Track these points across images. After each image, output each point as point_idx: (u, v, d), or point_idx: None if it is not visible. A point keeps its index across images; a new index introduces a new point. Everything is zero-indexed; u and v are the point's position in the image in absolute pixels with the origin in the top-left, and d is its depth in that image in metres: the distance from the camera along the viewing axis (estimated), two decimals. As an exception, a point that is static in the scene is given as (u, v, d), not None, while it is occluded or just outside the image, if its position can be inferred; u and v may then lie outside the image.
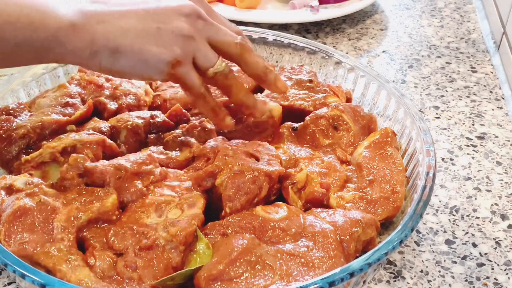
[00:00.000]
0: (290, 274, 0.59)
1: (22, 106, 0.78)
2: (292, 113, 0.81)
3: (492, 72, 1.01)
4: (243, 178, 0.65)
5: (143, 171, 0.66)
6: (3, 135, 0.73)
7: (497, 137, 0.87)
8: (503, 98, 0.95)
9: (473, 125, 0.89)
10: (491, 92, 0.96)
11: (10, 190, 0.64)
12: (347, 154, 0.75)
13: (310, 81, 0.84)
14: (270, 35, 0.92)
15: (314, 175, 0.70)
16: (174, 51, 0.63)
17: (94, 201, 0.63)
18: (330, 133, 0.76)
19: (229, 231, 0.63)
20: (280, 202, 0.67)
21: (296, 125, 0.77)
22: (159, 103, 0.83)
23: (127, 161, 0.67)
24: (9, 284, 0.65)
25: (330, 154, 0.74)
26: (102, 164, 0.66)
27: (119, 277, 0.59)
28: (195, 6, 0.66)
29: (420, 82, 0.98)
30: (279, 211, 0.65)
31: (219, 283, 0.57)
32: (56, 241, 0.59)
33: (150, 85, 0.87)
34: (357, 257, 0.63)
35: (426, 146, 0.71)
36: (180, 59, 0.63)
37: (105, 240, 0.61)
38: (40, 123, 0.74)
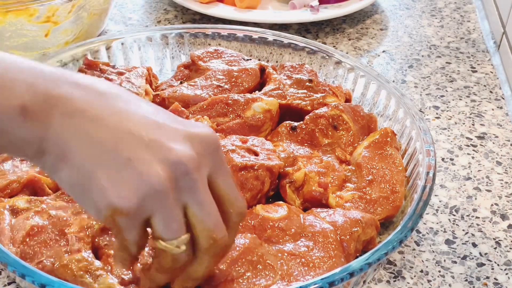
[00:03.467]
0: (291, 274, 0.59)
1: None
2: (290, 112, 0.81)
3: (492, 72, 1.00)
4: (246, 175, 0.65)
5: None
6: None
7: (497, 137, 0.87)
8: (503, 98, 0.94)
9: (473, 125, 0.89)
10: (491, 92, 0.96)
11: (15, 211, 0.62)
12: (346, 153, 0.75)
13: (310, 80, 0.83)
14: (270, 35, 0.92)
15: (312, 174, 0.70)
16: (125, 200, 0.45)
17: None
18: (330, 133, 0.76)
19: None
20: (281, 202, 0.67)
21: (295, 124, 0.77)
22: (158, 101, 0.82)
23: None
24: (9, 284, 0.65)
25: (329, 154, 0.74)
26: None
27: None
28: (197, 158, 0.47)
29: (420, 82, 0.98)
30: (279, 211, 0.64)
31: (221, 284, 0.57)
32: (73, 252, 0.58)
33: (150, 85, 0.87)
34: (357, 257, 0.63)
35: (426, 146, 0.71)
36: (127, 211, 0.45)
37: None
38: None
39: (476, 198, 0.77)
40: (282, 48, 0.92)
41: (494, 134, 0.87)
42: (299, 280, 0.58)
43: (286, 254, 0.60)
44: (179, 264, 0.49)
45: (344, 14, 1.10)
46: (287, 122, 0.77)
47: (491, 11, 1.15)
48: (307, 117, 0.77)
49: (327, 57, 0.89)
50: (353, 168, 0.72)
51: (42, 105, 0.44)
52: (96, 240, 0.61)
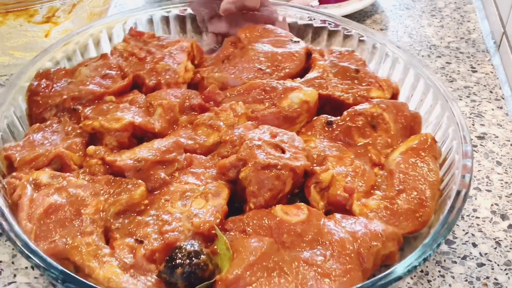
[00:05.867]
0: (305, 283, 0.50)
1: (63, 72, 0.69)
2: (330, 103, 0.68)
3: (492, 72, 0.91)
4: (268, 174, 0.56)
5: (167, 160, 0.58)
6: (40, 101, 0.65)
7: (497, 137, 0.79)
8: (503, 98, 0.85)
9: (473, 125, 0.80)
10: (491, 92, 0.87)
11: (37, 186, 0.56)
12: (381, 156, 0.63)
13: (357, 70, 0.71)
14: (320, 16, 0.81)
15: (340, 177, 0.59)
16: None
17: (122, 193, 0.55)
18: (367, 132, 0.64)
19: (249, 230, 0.53)
20: (302, 204, 0.56)
21: (332, 118, 0.65)
22: (198, 79, 0.73)
23: (149, 149, 0.58)
24: (9, 284, 0.58)
25: (363, 155, 0.63)
26: (121, 158, 0.57)
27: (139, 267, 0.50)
28: None
29: (421, 81, 0.96)
30: (299, 214, 0.55)
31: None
32: (85, 234, 0.51)
33: (193, 60, 0.75)
34: (374, 271, 0.52)
35: (464, 161, 0.60)
36: None
37: (129, 230, 0.53)
38: (77, 93, 0.66)
39: (476, 198, 0.69)
40: (333, 33, 0.80)
41: (494, 134, 0.79)
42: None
43: (302, 262, 0.51)
44: None
45: (344, 14, 0.97)
46: (324, 116, 0.66)
47: (491, 11, 1.01)
48: (345, 112, 0.65)
49: (378, 46, 0.77)
50: (385, 174, 0.61)
51: None
52: (111, 224, 0.54)
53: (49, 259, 0.49)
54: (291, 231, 0.54)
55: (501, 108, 0.84)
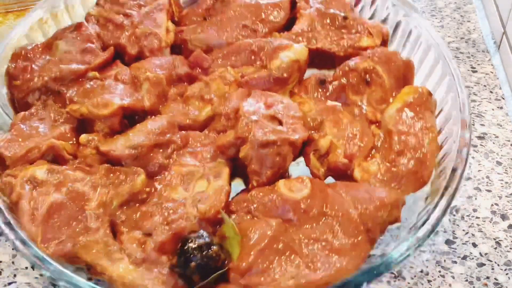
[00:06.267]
0: (317, 261, 0.49)
1: (40, 48, 0.65)
2: (320, 56, 0.65)
3: (492, 72, 0.90)
4: (268, 151, 0.54)
5: (162, 142, 0.57)
6: (21, 86, 0.62)
7: (497, 137, 0.77)
8: (503, 98, 0.84)
9: (473, 125, 0.78)
10: (491, 92, 0.86)
11: (35, 183, 0.54)
12: (377, 112, 0.61)
13: (345, 18, 0.68)
14: None
15: (340, 142, 0.57)
16: None
17: (123, 183, 0.53)
18: (361, 89, 0.62)
19: (254, 211, 0.52)
20: (304, 176, 0.55)
21: (324, 77, 0.62)
22: (181, 40, 0.69)
23: (143, 133, 0.56)
24: (9, 284, 0.57)
25: (359, 114, 0.61)
26: (116, 146, 0.55)
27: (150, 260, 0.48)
28: None
29: (420, 81, 0.96)
30: (302, 188, 0.54)
31: (250, 276, 0.48)
32: (92, 231, 0.52)
33: (172, 16, 0.71)
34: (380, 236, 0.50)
35: (462, 116, 0.58)
36: None
37: (135, 222, 0.53)
38: (58, 73, 0.63)
39: (476, 198, 0.67)
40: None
41: (494, 134, 0.77)
42: (324, 266, 0.49)
43: (311, 240, 0.51)
44: None
45: (344, 14, 1.09)
46: (315, 74, 0.63)
47: (491, 11, 1.00)
48: (337, 69, 0.62)
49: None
50: (383, 134, 0.59)
51: None
52: (115, 215, 0.52)
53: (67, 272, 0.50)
54: (297, 209, 0.53)
55: (501, 108, 0.83)
